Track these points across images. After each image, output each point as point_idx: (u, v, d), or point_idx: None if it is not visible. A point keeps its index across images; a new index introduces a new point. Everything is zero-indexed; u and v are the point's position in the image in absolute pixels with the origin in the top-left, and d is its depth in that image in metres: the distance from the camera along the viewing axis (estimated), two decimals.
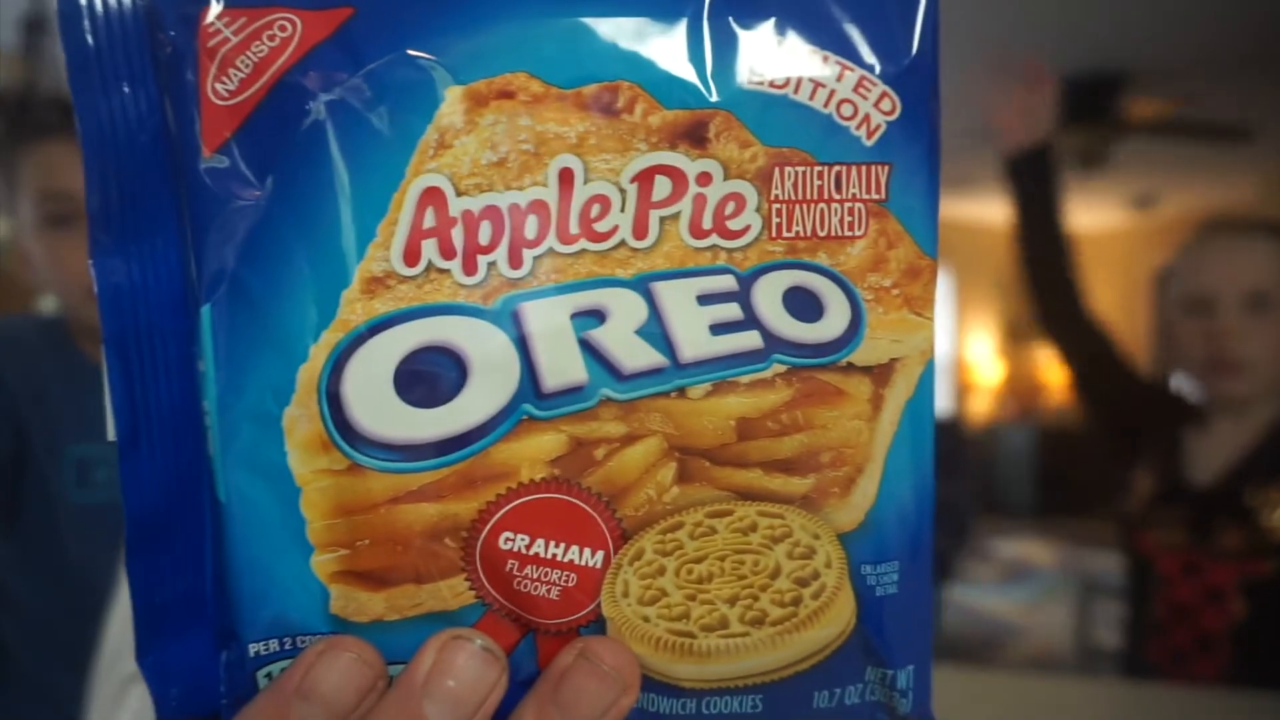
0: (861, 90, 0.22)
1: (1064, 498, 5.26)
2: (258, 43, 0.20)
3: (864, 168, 0.22)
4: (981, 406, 5.84)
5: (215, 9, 0.20)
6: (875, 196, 0.22)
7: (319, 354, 0.21)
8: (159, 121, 0.21)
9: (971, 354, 5.79)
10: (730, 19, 0.22)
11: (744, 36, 0.22)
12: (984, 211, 5.23)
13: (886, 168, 0.22)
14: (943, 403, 5.67)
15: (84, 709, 0.55)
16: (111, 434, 0.22)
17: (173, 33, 0.21)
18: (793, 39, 0.22)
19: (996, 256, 5.69)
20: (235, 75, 0.20)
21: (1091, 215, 5.35)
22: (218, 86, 0.20)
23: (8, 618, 0.94)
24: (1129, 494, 1.18)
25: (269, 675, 0.22)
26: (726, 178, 0.22)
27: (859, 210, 0.22)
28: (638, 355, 0.22)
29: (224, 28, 0.20)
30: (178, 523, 0.23)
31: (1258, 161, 4.05)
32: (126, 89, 0.21)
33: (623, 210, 0.21)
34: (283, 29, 0.20)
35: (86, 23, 0.21)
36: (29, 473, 0.93)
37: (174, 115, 0.21)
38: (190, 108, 0.21)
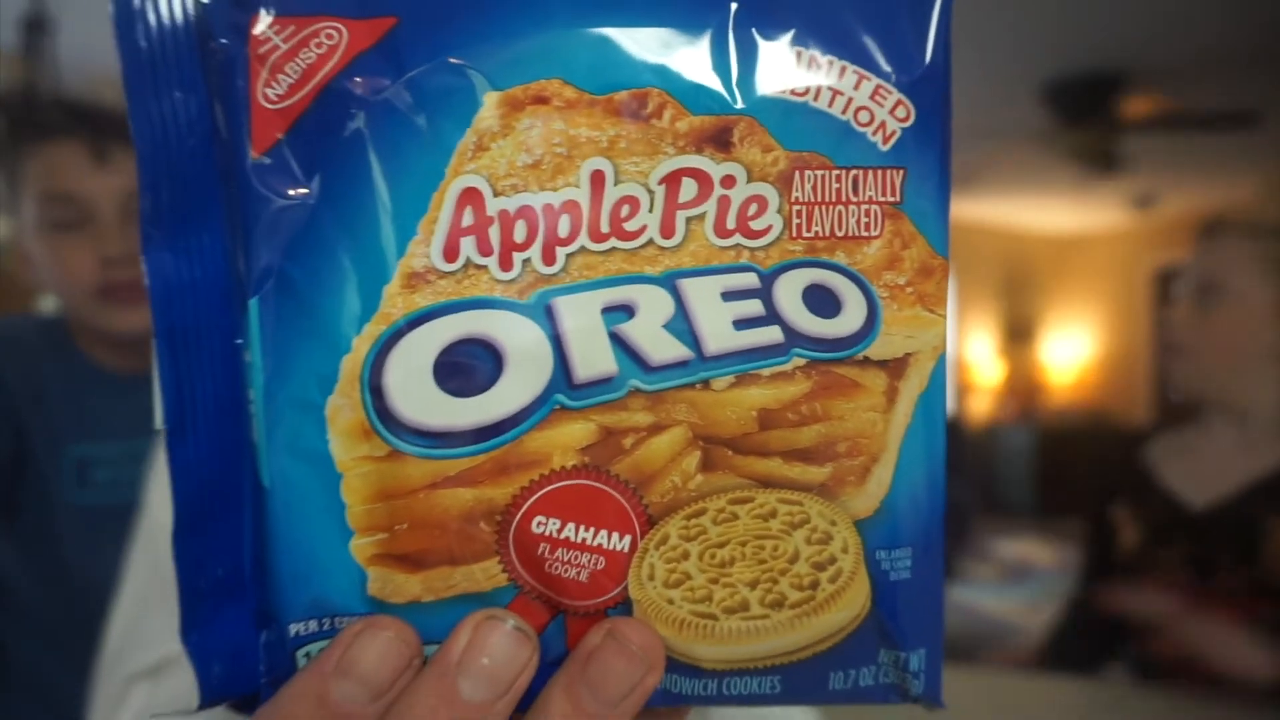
0: (878, 98, 0.23)
1: (1064, 498, 5.25)
2: (306, 50, 0.21)
3: (880, 171, 0.23)
4: (981, 406, 5.83)
5: (266, 18, 0.21)
6: (890, 199, 0.23)
7: (362, 345, 0.22)
8: (208, 124, 0.22)
9: (971, 354, 5.78)
10: (753, 30, 0.22)
11: (766, 47, 0.23)
12: (984, 211, 5.22)
13: (901, 172, 0.23)
14: None
15: (84, 709, 0.55)
16: (159, 422, 0.23)
17: (224, 40, 0.22)
18: (813, 49, 0.23)
19: (996, 256, 5.69)
20: (284, 81, 0.21)
21: (1091, 215, 5.35)
22: (267, 91, 0.21)
23: (8, 618, 0.93)
24: (1113, 546, 1.13)
25: (308, 655, 0.23)
26: (749, 180, 0.23)
27: (875, 212, 0.23)
28: (665, 348, 0.22)
29: (274, 35, 0.21)
30: (220, 508, 0.23)
31: (1258, 160, 4.04)
32: (178, 93, 0.22)
33: (651, 210, 0.22)
34: (329, 37, 0.21)
35: (140, 30, 0.22)
36: (29, 473, 0.93)
37: (224, 118, 0.22)
38: (241, 112, 0.22)
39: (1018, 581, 4.14)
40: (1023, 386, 5.90)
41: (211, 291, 0.23)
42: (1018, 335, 5.89)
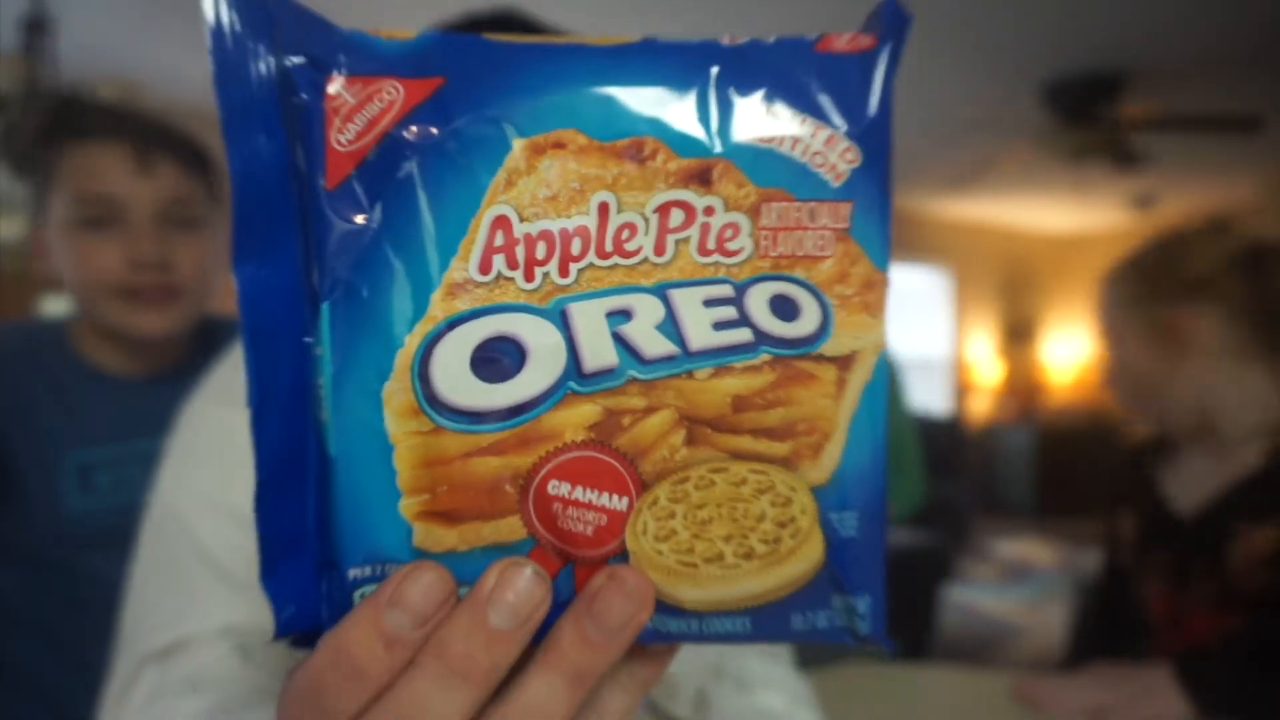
0: (831, 144, 0.26)
1: (1064, 498, 5.22)
2: (370, 104, 0.25)
3: (832, 204, 0.26)
4: (981, 406, 5.80)
5: (339, 79, 0.25)
6: (841, 226, 0.26)
7: (412, 342, 0.25)
8: (288, 161, 0.26)
9: (971, 354, 5.75)
10: (730, 89, 0.26)
11: (741, 103, 0.26)
12: (984, 211, 5.21)
13: (849, 204, 0.26)
14: (943, 403, 5.64)
15: (84, 709, 0.54)
16: (246, 403, 0.27)
17: (304, 95, 0.25)
18: (778, 105, 0.26)
19: (996, 256, 5.67)
20: (353, 128, 0.25)
21: (1091, 215, 5.33)
22: (339, 137, 0.25)
23: (8, 619, 0.93)
24: (1118, 540, 1.13)
25: (363, 594, 0.26)
26: (726, 210, 0.26)
27: (828, 236, 0.26)
28: (657, 345, 0.26)
29: (345, 92, 0.25)
30: (291, 475, 0.27)
31: (1259, 161, 4.01)
32: (264, 137, 0.26)
33: (646, 234, 0.26)
34: (390, 94, 0.25)
35: (236, 85, 0.26)
36: (18, 482, 0.91)
37: (304, 158, 0.26)
38: (317, 152, 0.25)
39: (1018, 581, 4.08)
40: (1023, 386, 5.86)
41: (287, 297, 0.27)
42: (1018, 335, 5.85)
